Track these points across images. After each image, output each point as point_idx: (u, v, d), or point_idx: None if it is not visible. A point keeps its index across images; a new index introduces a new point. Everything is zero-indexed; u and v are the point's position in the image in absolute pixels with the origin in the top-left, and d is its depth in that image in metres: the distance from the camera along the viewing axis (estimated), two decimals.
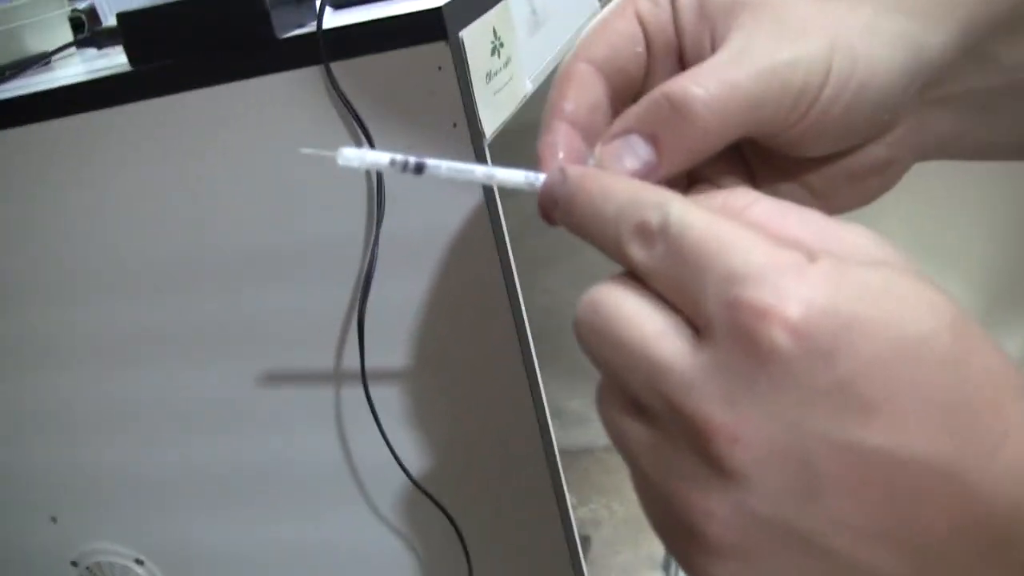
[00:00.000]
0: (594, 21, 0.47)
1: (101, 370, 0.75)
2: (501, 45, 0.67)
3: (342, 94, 0.62)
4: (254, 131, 0.65)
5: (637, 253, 0.36)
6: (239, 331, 0.71)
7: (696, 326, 0.34)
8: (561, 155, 0.43)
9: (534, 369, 0.67)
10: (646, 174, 0.41)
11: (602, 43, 0.45)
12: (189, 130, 0.66)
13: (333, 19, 0.66)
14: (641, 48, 0.46)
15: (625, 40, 0.45)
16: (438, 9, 0.60)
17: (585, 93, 0.44)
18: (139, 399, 0.75)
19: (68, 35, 0.83)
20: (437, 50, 0.61)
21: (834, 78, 0.41)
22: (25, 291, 0.74)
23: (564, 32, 0.85)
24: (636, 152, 0.41)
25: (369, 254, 0.66)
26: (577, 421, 1.20)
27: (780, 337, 0.32)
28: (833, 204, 0.48)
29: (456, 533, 0.72)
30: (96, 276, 0.72)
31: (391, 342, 0.68)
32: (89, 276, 0.72)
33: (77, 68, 0.75)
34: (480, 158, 0.63)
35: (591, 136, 0.44)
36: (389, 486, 0.72)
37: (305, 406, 0.71)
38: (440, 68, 0.61)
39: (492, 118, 0.64)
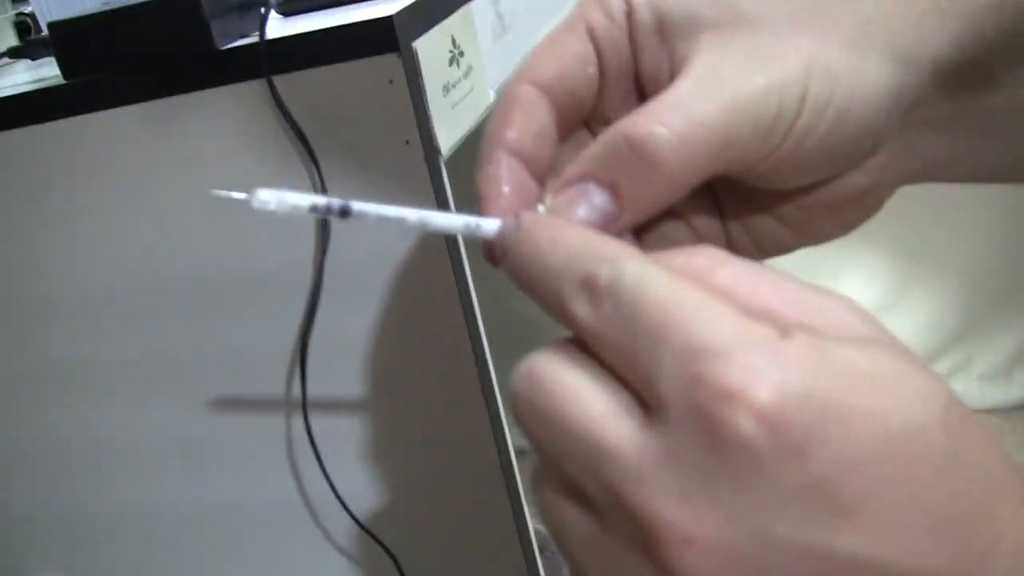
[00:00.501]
0: (541, 41, 0.43)
1: (47, 403, 0.71)
2: (461, 54, 0.63)
3: (285, 110, 0.58)
4: (195, 149, 0.61)
5: (581, 310, 0.31)
6: (184, 362, 0.67)
7: (646, 404, 0.30)
8: (506, 189, 0.39)
9: (495, 400, 0.63)
10: (605, 225, 0.36)
11: (550, 63, 0.41)
12: (127, 148, 0.62)
13: (280, 28, 0.62)
14: (593, 69, 0.41)
15: (575, 60, 0.41)
16: (388, 18, 0.56)
17: (530, 119, 0.40)
18: (86, 433, 0.71)
19: (11, 40, 0.79)
20: (388, 62, 0.57)
21: (810, 105, 0.37)
22: None
23: (534, 36, 0.81)
24: (593, 201, 0.36)
25: (312, 282, 0.62)
26: None
27: (747, 425, 0.27)
28: (809, 235, 0.44)
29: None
30: (31, 303, 0.68)
31: (339, 373, 0.64)
32: (23, 303, 0.68)
33: (13, 79, 0.71)
34: (435, 176, 0.59)
35: (536, 167, 0.40)
36: (336, 523, 0.68)
37: (255, 440, 0.67)
38: (391, 81, 0.57)
39: (449, 133, 0.60)
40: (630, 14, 0.41)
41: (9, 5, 0.80)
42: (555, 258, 0.32)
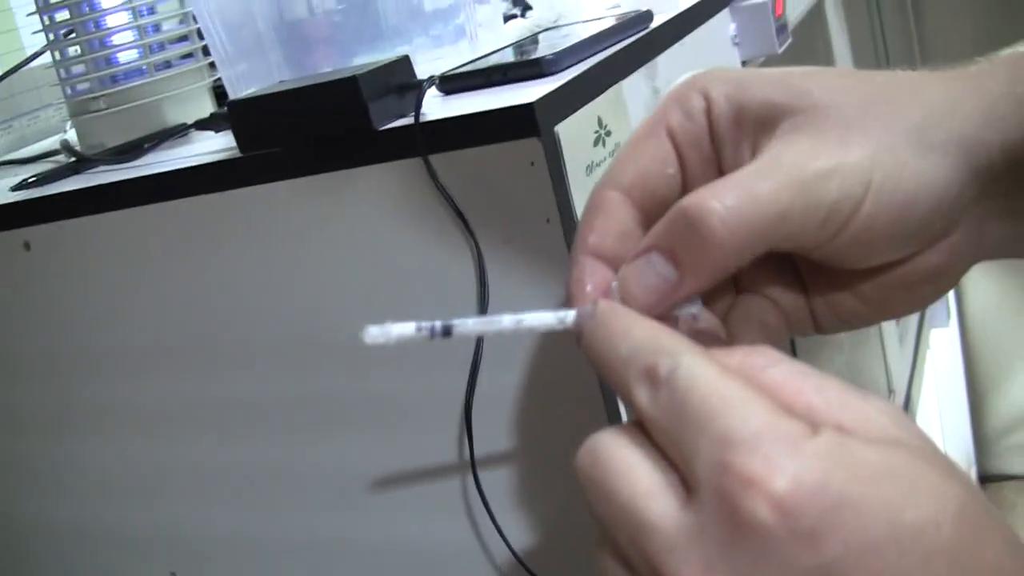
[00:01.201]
0: (624, 143, 0.45)
1: (223, 438, 0.76)
2: (608, 134, 0.66)
3: (441, 186, 0.61)
4: (355, 220, 0.65)
5: (642, 397, 0.35)
6: (346, 408, 0.71)
7: (688, 486, 0.33)
8: (588, 288, 0.43)
9: None
10: (669, 292, 0.40)
11: (631, 168, 0.44)
12: (292, 217, 0.67)
13: (440, 106, 0.66)
14: (673, 169, 0.44)
15: (655, 163, 0.44)
16: (530, 105, 0.59)
17: (611, 222, 0.43)
18: (261, 470, 0.76)
19: (209, 106, 0.86)
20: (529, 146, 0.60)
21: (875, 193, 0.39)
22: (139, 363, 0.76)
23: None
24: (656, 270, 0.40)
25: (475, 342, 0.65)
26: None
27: (762, 511, 0.31)
28: (887, 311, 0.46)
29: None
30: (206, 350, 0.73)
31: (498, 428, 0.67)
32: (199, 350, 0.74)
33: (195, 148, 0.77)
34: None
35: (620, 264, 0.43)
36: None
37: (415, 490, 0.71)
38: (533, 163, 0.60)
39: None
40: (709, 111, 0.43)
41: (207, 72, 0.87)
42: (624, 347, 0.36)
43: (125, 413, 0.79)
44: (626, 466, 0.34)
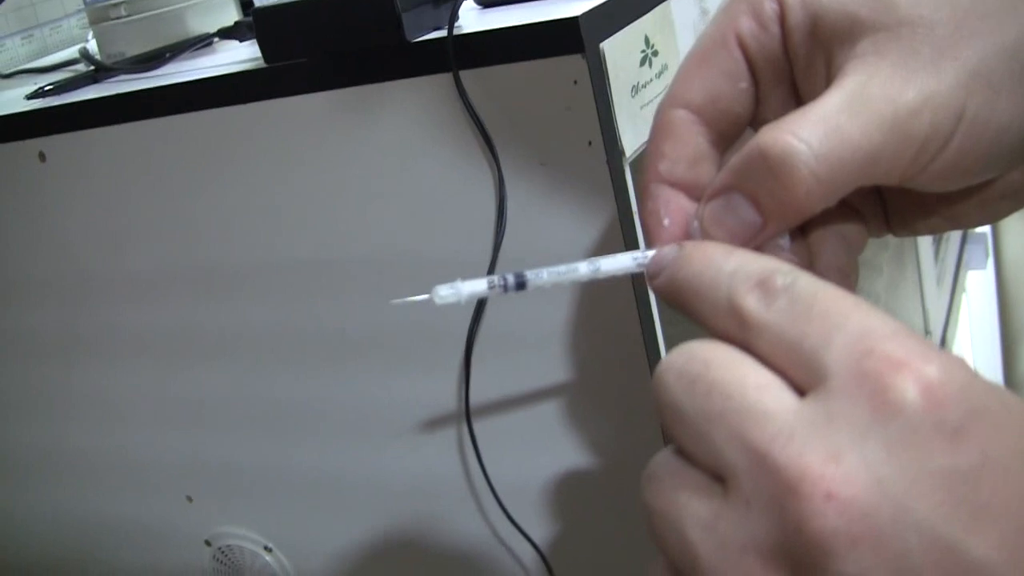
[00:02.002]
0: (688, 53, 0.41)
1: (240, 366, 0.74)
2: (655, 54, 0.62)
3: (468, 103, 0.58)
4: (382, 136, 0.62)
5: (751, 304, 0.32)
6: (362, 337, 0.68)
7: (804, 389, 0.30)
8: (666, 222, 0.39)
9: None
10: (752, 235, 0.37)
11: (700, 83, 0.40)
12: (317, 131, 0.63)
13: (477, 20, 0.62)
14: (746, 84, 0.40)
15: (726, 77, 0.40)
16: (574, 19, 0.55)
17: (682, 146, 0.40)
18: (277, 398, 0.74)
19: (233, 15, 0.82)
20: (572, 63, 0.56)
21: (968, 124, 0.35)
22: (159, 286, 0.74)
23: None
24: (737, 212, 0.37)
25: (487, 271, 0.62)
26: None
27: (912, 392, 0.28)
28: (960, 223, 0.43)
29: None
30: (228, 272, 0.71)
31: (502, 368, 0.64)
32: (221, 272, 0.71)
33: (218, 58, 0.73)
34: (617, 178, 0.58)
35: (696, 190, 0.40)
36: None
37: (423, 421, 0.68)
38: (576, 82, 0.56)
39: (635, 135, 0.59)
40: (783, 18, 0.39)
41: None
42: (729, 264, 0.33)
43: (139, 337, 0.77)
44: (733, 360, 0.31)
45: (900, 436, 0.28)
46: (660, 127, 0.40)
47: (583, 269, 0.38)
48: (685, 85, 0.40)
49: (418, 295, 0.38)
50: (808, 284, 0.31)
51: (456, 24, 0.59)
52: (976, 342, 2.12)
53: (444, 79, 0.59)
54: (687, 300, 0.34)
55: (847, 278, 0.41)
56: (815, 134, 0.34)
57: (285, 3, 0.61)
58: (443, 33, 0.59)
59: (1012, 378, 2.37)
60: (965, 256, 1.85)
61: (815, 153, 0.34)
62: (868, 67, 0.36)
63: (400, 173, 0.62)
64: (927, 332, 1.47)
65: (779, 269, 0.32)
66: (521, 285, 0.37)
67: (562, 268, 0.38)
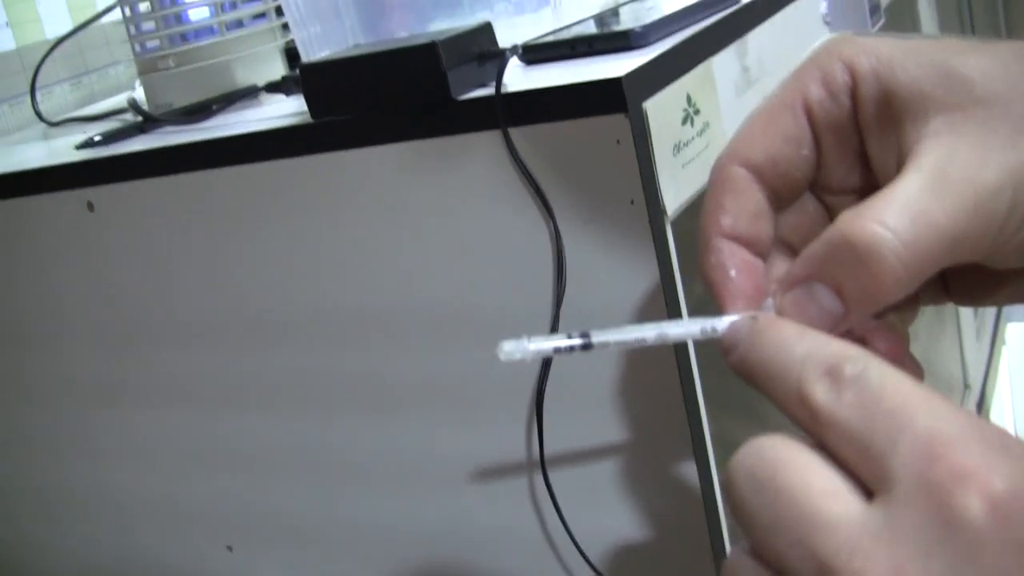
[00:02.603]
0: (754, 109, 0.41)
1: (284, 416, 0.74)
2: (696, 112, 0.62)
3: (520, 161, 0.58)
4: (431, 192, 0.62)
5: (820, 395, 0.31)
6: (411, 387, 0.69)
7: (872, 490, 0.30)
8: (733, 273, 0.39)
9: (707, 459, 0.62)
10: (833, 324, 0.36)
11: (761, 143, 0.40)
12: (364, 186, 0.64)
13: (522, 77, 0.63)
14: (808, 151, 0.40)
15: (788, 142, 0.40)
16: (618, 79, 0.56)
17: (743, 203, 0.40)
18: (322, 448, 0.74)
19: (280, 68, 0.83)
20: (615, 122, 0.56)
21: None
22: (204, 334, 0.74)
23: None
24: (820, 303, 0.36)
25: (549, 327, 0.62)
26: None
27: (976, 507, 0.27)
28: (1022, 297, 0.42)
29: None
30: (272, 322, 0.71)
31: (568, 420, 0.64)
32: (266, 322, 0.71)
33: (265, 111, 0.74)
34: (659, 237, 0.58)
35: (757, 246, 0.40)
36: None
37: (472, 469, 0.69)
38: (619, 141, 0.57)
39: (677, 193, 0.60)
40: (855, 89, 0.39)
41: (279, 33, 0.84)
42: (800, 347, 0.33)
43: (183, 385, 0.77)
44: (800, 463, 0.31)
45: (965, 553, 0.27)
46: (720, 181, 0.40)
47: (650, 336, 0.38)
48: (747, 143, 0.40)
49: (491, 350, 0.38)
50: (877, 375, 0.31)
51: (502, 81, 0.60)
52: (1017, 395, 2.10)
53: (490, 136, 0.60)
54: (760, 383, 0.34)
55: (906, 334, 0.41)
56: (901, 221, 0.34)
57: (332, 59, 0.62)
58: (488, 91, 0.60)
59: None
60: (1005, 308, 1.84)
61: (902, 241, 0.34)
62: (945, 147, 0.35)
63: (449, 228, 0.63)
64: (966, 386, 1.46)
65: (849, 356, 0.32)
66: (587, 347, 0.37)
67: (630, 332, 0.38)
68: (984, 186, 0.34)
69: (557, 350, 0.37)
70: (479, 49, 0.61)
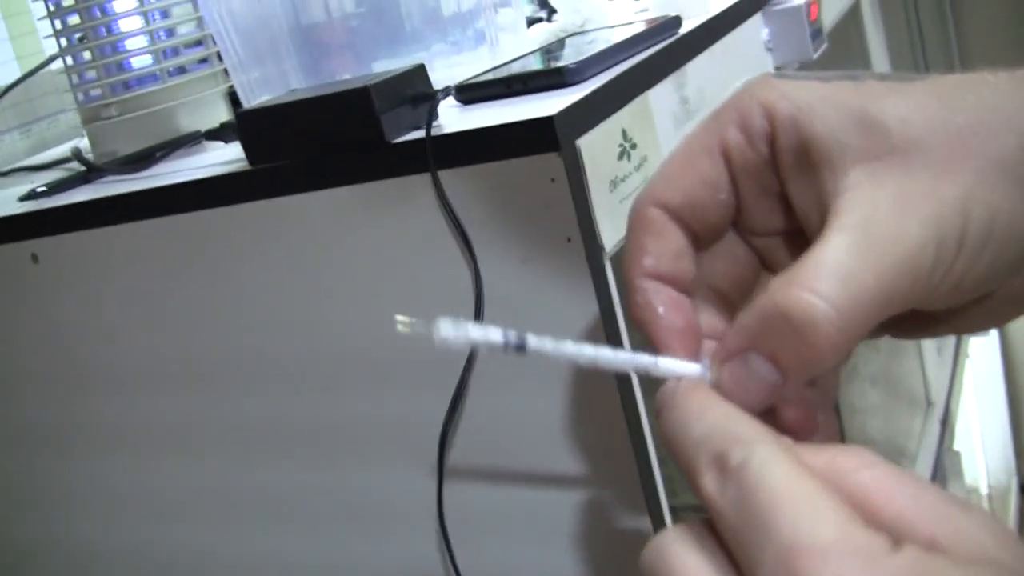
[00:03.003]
0: (672, 152, 0.41)
1: (233, 460, 0.74)
2: (633, 147, 0.63)
3: (447, 203, 0.59)
4: (365, 236, 0.62)
5: (709, 486, 0.32)
6: (343, 432, 0.68)
7: None
8: (661, 310, 0.39)
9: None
10: (771, 394, 0.36)
11: (679, 186, 0.40)
12: (299, 232, 0.64)
13: (458, 118, 0.63)
14: (726, 195, 0.40)
15: (706, 186, 0.40)
16: (549, 118, 0.56)
17: (664, 243, 0.40)
18: (268, 490, 0.74)
19: (224, 113, 0.83)
20: (549, 161, 0.57)
21: (968, 248, 0.35)
22: (152, 379, 0.74)
23: None
24: (758, 374, 0.36)
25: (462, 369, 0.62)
26: None
27: None
28: (962, 328, 0.42)
29: None
30: (216, 366, 0.71)
31: (478, 457, 0.64)
32: (209, 366, 0.71)
33: (205, 158, 0.74)
34: (597, 274, 0.58)
35: (680, 284, 0.40)
36: None
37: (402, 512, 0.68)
38: (553, 180, 0.57)
39: (615, 229, 0.60)
40: (773, 138, 0.39)
41: (222, 78, 0.84)
42: (696, 430, 0.34)
43: (134, 429, 0.77)
44: (690, 571, 0.32)
45: None
46: (639, 222, 0.40)
47: (585, 356, 0.38)
48: (664, 185, 0.40)
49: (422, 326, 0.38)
50: (757, 466, 0.31)
51: (436, 123, 0.60)
52: (983, 408, 2.11)
53: (425, 179, 0.60)
54: (674, 459, 0.35)
55: (827, 395, 0.41)
56: (832, 288, 0.34)
57: (266, 105, 0.62)
58: (422, 133, 0.60)
59: (1021, 444, 2.36)
60: None
61: (835, 307, 0.34)
62: (867, 202, 0.35)
63: (382, 272, 0.63)
64: (929, 403, 1.47)
65: (738, 440, 0.32)
66: (521, 347, 0.37)
67: (566, 347, 0.38)
68: (909, 243, 0.34)
69: (491, 343, 0.38)
70: (413, 91, 0.62)
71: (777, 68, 0.94)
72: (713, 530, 0.32)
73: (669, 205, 0.40)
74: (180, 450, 0.75)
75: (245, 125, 0.63)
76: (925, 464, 1.38)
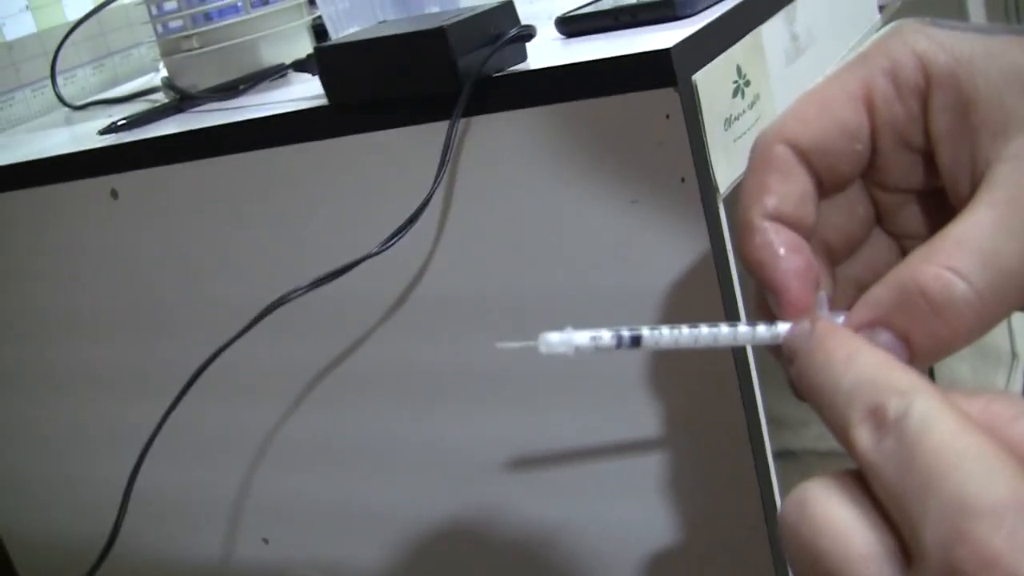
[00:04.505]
0: (809, 91, 0.37)
1: (319, 407, 0.72)
2: (747, 84, 0.59)
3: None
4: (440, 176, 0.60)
5: (863, 440, 0.29)
6: (444, 376, 0.66)
7: (909, 551, 0.27)
8: (782, 252, 0.36)
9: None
10: None
11: (814, 128, 0.36)
12: (375, 170, 0.62)
13: (564, 50, 0.60)
14: (863, 147, 0.36)
15: (843, 134, 0.36)
16: (667, 51, 0.53)
17: (790, 185, 0.36)
18: (354, 439, 0.72)
19: (308, 46, 0.80)
20: (664, 97, 0.53)
21: None
22: (236, 321, 0.72)
23: (832, 57, 0.76)
24: (884, 349, 0.33)
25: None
26: None
27: None
28: None
29: None
30: (302, 308, 0.69)
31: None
32: (294, 309, 0.69)
33: (296, 90, 0.71)
34: (711, 215, 0.55)
35: (802, 230, 0.37)
36: None
37: (504, 461, 0.66)
38: (668, 116, 0.54)
39: (729, 169, 0.57)
40: (928, 96, 0.35)
41: (306, 9, 0.81)
42: (847, 379, 0.30)
43: (217, 373, 0.75)
44: (840, 525, 0.29)
45: None
46: (765, 159, 0.37)
47: (704, 336, 0.35)
48: (797, 125, 0.36)
49: (524, 341, 0.35)
50: (918, 419, 0.28)
51: (527, 60, 0.57)
52: None
53: (528, 115, 0.57)
54: (816, 410, 0.32)
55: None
56: (975, 269, 0.31)
57: (345, 42, 0.60)
58: (523, 66, 0.57)
59: None
60: None
61: (976, 290, 0.31)
62: (1019, 175, 0.32)
63: (477, 211, 0.60)
64: (1015, 356, 1.43)
65: (895, 390, 0.29)
66: (636, 341, 0.34)
67: (679, 331, 0.35)
68: None
69: (598, 342, 0.34)
70: (497, 29, 0.58)
71: (880, 7, 0.90)
72: (863, 484, 0.29)
73: (800, 145, 0.36)
74: (266, 396, 0.74)
75: (323, 62, 0.60)
76: None
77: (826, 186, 0.37)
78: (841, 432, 0.30)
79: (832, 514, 0.29)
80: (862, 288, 0.40)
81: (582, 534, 0.66)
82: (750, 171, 0.37)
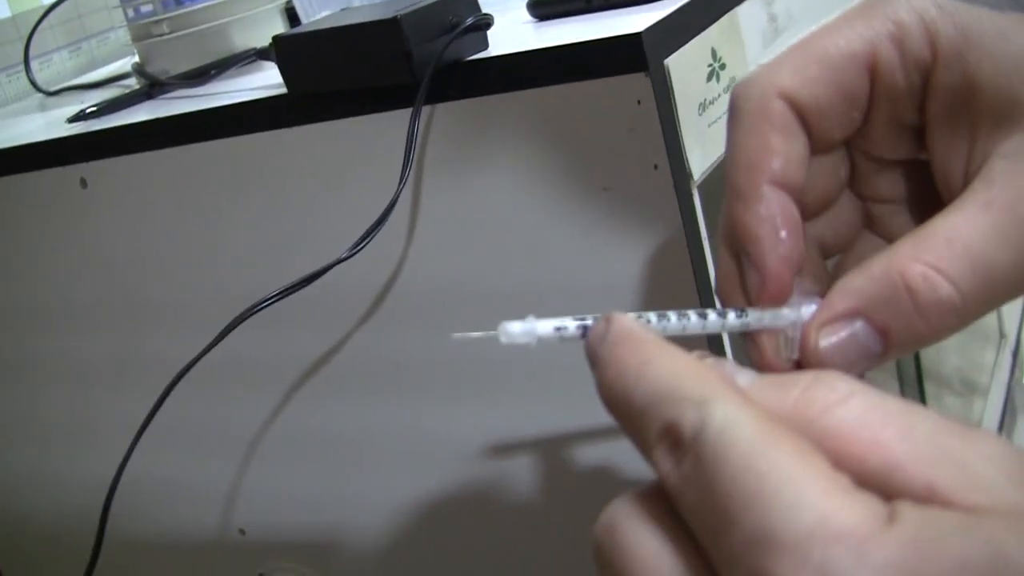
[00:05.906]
0: (804, 43, 0.34)
1: (293, 398, 0.71)
2: (722, 67, 0.58)
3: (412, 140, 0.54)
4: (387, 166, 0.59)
5: (663, 465, 0.26)
6: (417, 368, 0.65)
7: None
8: (783, 234, 0.33)
9: None
10: (867, 364, 0.32)
11: (815, 85, 0.34)
12: (327, 160, 0.61)
13: (536, 34, 0.58)
14: (859, 114, 0.35)
15: (844, 99, 0.34)
16: (637, 35, 0.51)
17: (791, 145, 0.34)
18: (330, 430, 0.71)
19: (279, 27, 0.79)
20: (635, 82, 0.52)
21: None
22: (202, 312, 0.71)
23: None
24: (860, 342, 0.32)
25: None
26: None
27: None
28: None
29: None
30: (238, 298, 0.68)
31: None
32: (232, 300, 0.68)
33: (246, 81, 0.70)
34: (685, 202, 0.54)
35: (794, 196, 0.34)
36: None
37: (481, 451, 0.65)
38: (639, 102, 0.53)
39: (704, 155, 0.55)
40: (932, 72, 0.33)
41: None
42: (639, 393, 0.27)
43: (198, 369, 0.74)
44: (646, 552, 0.26)
45: None
46: (763, 114, 0.34)
47: (672, 325, 0.33)
48: (796, 79, 0.34)
49: (482, 331, 0.32)
50: (715, 434, 0.25)
51: (508, 41, 0.56)
52: None
53: (473, 103, 0.56)
54: (619, 425, 0.29)
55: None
56: (964, 274, 0.30)
57: (301, 32, 0.60)
58: (486, 53, 0.56)
59: None
60: None
61: (962, 294, 0.30)
62: (1018, 177, 0.31)
63: (445, 196, 0.59)
64: (1002, 335, 1.42)
65: (689, 401, 0.26)
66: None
67: (653, 320, 0.33)
68: None
69: (565, 335, 0.31)
70: (456, 18, 0.57)
71: None
72: (669, 503, 0.27)
73: (798, 103, 0.34)
74: (239, 388, 0.73)
75: (281, 51, 0.59)
76: (997, 398, 1.34)
77: (813, 149, 0.35)
78: (644, 454, 0.27)
79: (638, 539, 0.27)
80: (822, 247, 0.39)
81: (567, 524, 0.65)
82: (744, 125, 0.34)
